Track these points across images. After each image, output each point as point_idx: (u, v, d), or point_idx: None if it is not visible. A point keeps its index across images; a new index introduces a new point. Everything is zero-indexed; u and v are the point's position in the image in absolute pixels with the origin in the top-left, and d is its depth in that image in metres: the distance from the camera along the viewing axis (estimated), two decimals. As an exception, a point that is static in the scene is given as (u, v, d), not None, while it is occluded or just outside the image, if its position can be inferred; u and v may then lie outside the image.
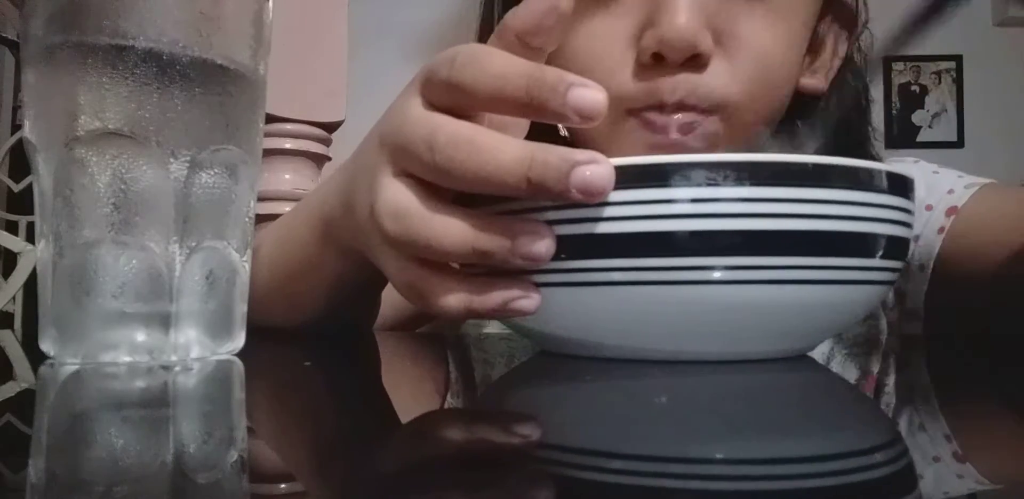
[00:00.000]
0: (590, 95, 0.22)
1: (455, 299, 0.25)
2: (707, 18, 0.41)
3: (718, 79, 0.42)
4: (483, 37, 0.51)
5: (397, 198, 0.26)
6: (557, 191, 0.22)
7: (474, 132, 0.24)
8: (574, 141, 0.51)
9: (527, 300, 0.24)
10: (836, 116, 0.50)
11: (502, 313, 0.25)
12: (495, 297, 0.24)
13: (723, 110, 0.43)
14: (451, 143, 0.24)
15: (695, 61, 0.41)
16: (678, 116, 0.42)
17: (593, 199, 0.22)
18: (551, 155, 0.22)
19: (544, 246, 0.23)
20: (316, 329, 0.42)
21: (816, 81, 0.50)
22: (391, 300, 0.47)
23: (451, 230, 0.24)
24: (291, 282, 0.40)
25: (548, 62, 0.26)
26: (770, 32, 0.43)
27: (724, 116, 0.43)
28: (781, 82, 0.46)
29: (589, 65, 0.44)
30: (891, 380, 0.25)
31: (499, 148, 0.23)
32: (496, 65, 0.24)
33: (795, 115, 0.48)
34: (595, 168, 0.22)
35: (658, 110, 0.42)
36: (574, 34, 0.44)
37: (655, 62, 0.41)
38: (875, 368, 0.29)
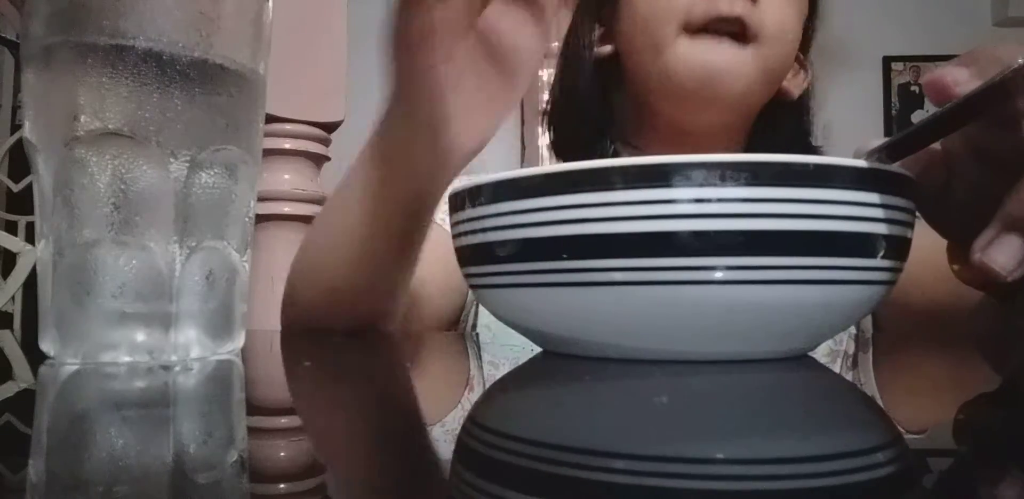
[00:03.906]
0: None
1: None
2: None
3: (763, 12, 0.54)
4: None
5: None
6: None
7: None
8: (624, 60, 0.61)
9: None
10: (793, 120, 0.65)
11: None
12: None
13: (761, 40, 0.54)
14: None
15: None
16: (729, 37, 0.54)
17: None
18: None
19: None
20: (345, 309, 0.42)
21: (793, 87, 0.64)
22: (430, 296, 0.51)
23: None
24: (345, 214, 0.42)
25: None
26: (790, 8, 0.57)
27: (757, 48, 0.54)
28: (789, 48, 0.58)
29: None
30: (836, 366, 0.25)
31: None
32: None
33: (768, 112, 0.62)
34: None
35: (714, 34, 0.54)
36: None
37: None
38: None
